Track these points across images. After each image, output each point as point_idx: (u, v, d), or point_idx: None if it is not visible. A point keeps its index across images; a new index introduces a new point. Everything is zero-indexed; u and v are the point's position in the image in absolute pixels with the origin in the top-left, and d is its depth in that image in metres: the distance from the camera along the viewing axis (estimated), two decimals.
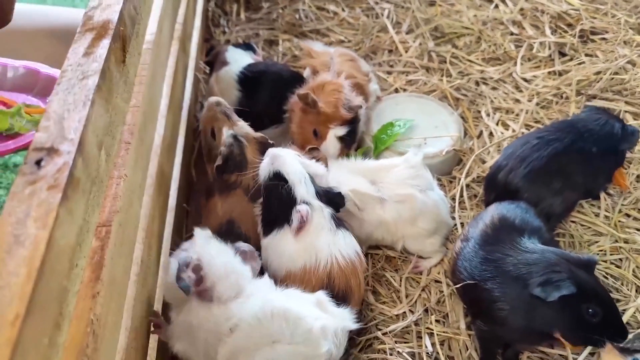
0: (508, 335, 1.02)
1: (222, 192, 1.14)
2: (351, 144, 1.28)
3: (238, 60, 1.39)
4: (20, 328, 0.41)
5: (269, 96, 1.34)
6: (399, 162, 1.17)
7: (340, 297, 1.01)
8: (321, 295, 0.95)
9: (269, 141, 1.18)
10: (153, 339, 0.97)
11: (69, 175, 0.53)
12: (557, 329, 0.95)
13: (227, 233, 1.07)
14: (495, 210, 1.10)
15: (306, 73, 1.42)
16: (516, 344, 1.06)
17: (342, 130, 1.24)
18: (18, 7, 1.39)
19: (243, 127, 1.18)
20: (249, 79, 1.35)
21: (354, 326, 0.94)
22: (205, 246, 0.95)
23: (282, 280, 1.02)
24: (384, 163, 1.19)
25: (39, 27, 1.35)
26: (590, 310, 0.91)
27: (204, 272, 0.91)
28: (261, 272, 1.02)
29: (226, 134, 1.15)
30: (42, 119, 0.59)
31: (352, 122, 1.25)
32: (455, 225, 1.25)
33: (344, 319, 0.94)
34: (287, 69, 1.44)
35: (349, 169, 1.18)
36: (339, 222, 1.08)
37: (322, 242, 1.03)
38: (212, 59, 1.40)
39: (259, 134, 1.19)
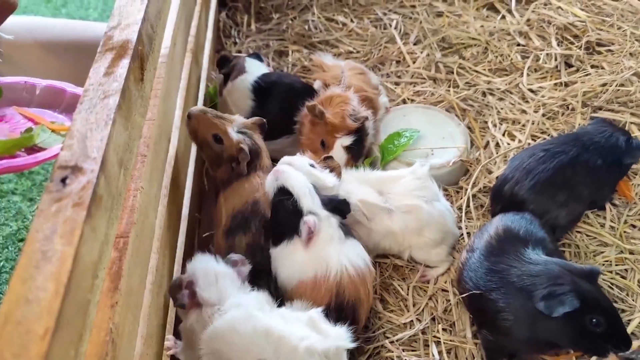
0: (513, 345, 1.04)
1: (239, 178, 1.17)
2: (358, 154, 1.31)
3: (255, 70, 1.42)
4: (50, 342, 0.44)
5: (280, 106, 1.37)
6: (406, 173, 1.20)
7: (349, 307, 1.03)
8: (314, 313, 0.94)
9: (264, 120, 1.23)
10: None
11: (92, 193, 0.55)
12: (560, 340, 0.97)
13: (253, 213, 1.12)
14: (500, 222, 1.12)
15: (317, 85, 1.45)
16: (521, 353, 1.08)
17: (348, 140, 1.27)
18: (43, 20, 1.43)
19: (238, 119, 1.21)
20: (262, 88, 1.38)
21: (350, 345, 0.92)
22: (196, 261, 0.99)
23: (294, 289, 1.05)
24: (392, 174, 1.22)
25: (63, 41, 1.40)
26: (594, 320, 0.93)
27: (196, 285, 0.95)
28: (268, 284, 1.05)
29: (233, 132, 1.17)
30: (66, 137, 0.62)
31: (359, 132, 1.28)
32: (462, 235, 1.27)
33: (339, 338, 0.91)
34: (299, 80, 1.46)
35: (357, 179, 1.20)
36: (347, 231, 1.10)
37: (332, 252, 1.05)
38: (230, 70, 1.42)
39: (254, 118, 1.23)
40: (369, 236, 1.19)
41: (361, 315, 1.05)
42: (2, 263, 1.62)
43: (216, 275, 0.97)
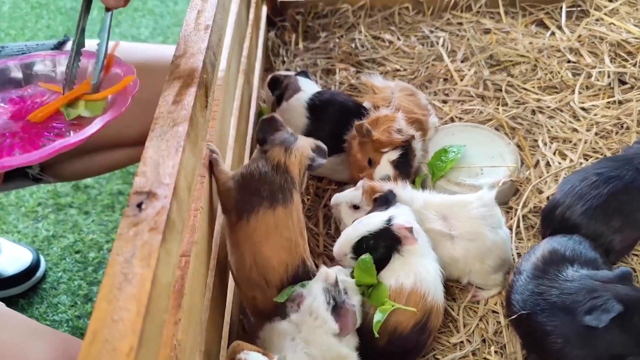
0: None
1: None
2: (406, 170, 1.32)
3: (309, 88, 1.45)
4: (135, 359, 0.47)
5: (333, 124, 1.39)
6: (473, 199, 1.19)
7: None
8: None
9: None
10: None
11: (166, 218, 0.59)
12: (621, 349, 0.97)
13: None
14: (547, 244, 1.13)
15: (367, 104, 1.47)
16: None
17: (394, 154, 1.28)
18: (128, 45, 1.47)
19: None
20: (317, 106, 1.40)
21: None
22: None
23: None
24: (458, 199, 1.21)
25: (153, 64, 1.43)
26: None
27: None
28: None
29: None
30: (140, 163, 0.66)
31: (405, 147, 1.29)
32: (513, 257, 1.26)
33: None
34: (350, 99, 1.49)
35: (424, 203, 1.20)
36: None
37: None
38: (283, 90, 1.46)
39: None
40: None
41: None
42: (60, 274, 1.69)
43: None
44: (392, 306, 1.04)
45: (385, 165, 1.28)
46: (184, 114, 0.72)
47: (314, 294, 0.99)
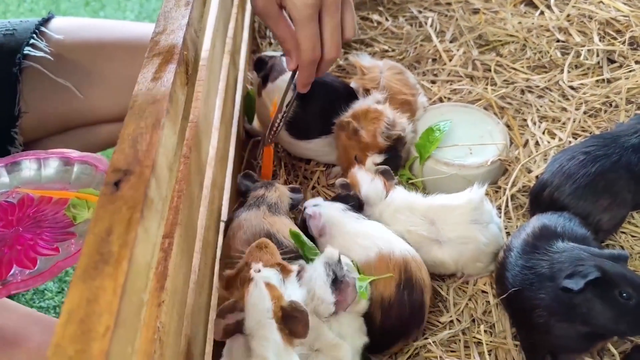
0: (552, 342, 1.03)
1: None
2: (395, 165, 1.31)
3: None
4: (111, 339, 0.45)
5: (320, 106, 1.37)
6: (462, 202, 1.15)
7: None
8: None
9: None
10: (209, 345, 1.02)
11: (144, 196, 0.57)
12: (598, 324, 0.96)
13: None
14: (537, 220, 1.12)
15: (354, 85, 1.45)
16: (561, 351, 1.06)
17: (379, 158, 1.28)
18: (92, 21, 1.47)
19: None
20: None
21: None
22: None
23: None
24: (445, 203, 1.17)
25: (112, 41, 1.43)
26: (623, 294, 0.91)
27: None
28: None
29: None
30: (119, 141, 0.64)
31: (391, 151, 1.29)
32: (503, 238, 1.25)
33: None
34: (338, 80, 1.47)
35: (408, 206, 1.18)
36: None
37: None
38: (268, 71, 1.43)
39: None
40: None
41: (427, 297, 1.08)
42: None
43: None
44: (369, 278, 1.04)
45: (369, 167, 1.27)
46: (164, 91, 0.70)
47: (315, 266, 1.00)
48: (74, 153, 0.93)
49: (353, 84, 1.45)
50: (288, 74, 1.41)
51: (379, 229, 1.13)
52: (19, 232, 0.89)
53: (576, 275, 0.93)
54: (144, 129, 0.65)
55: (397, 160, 1.32)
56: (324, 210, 1.15)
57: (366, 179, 1.21)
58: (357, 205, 1.19)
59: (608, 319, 0.93)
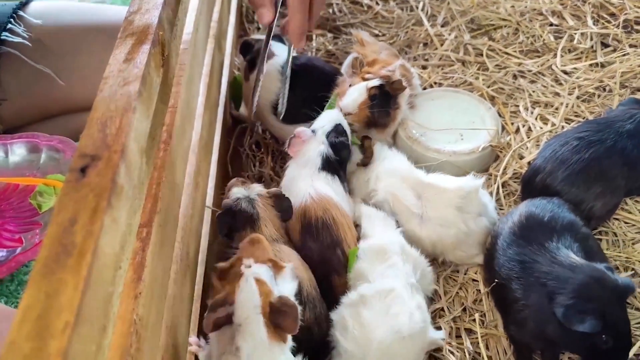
0: (526, 337, 1.01)
1: None
2: (380, 112, 1.25)
3: (283, 53, 1.39)
4: (70, 336, 0.42)
5: (308, 90, 1.34)
6: (452, 188, 1.12)
7: (322, 226, 1.07)
8: None
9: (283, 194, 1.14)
10: (193, 335, 0.99)
11: (112, 183, 0.54)
12: (563, 345, 0.95)
13: None
14: (525, 207, 1.08)
15: (347, 61, 1.41)
16: (533, 347, 1.04)
17: (374, 82, 1.23)
18: (71, 4, 1.42)
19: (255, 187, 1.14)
20: (292, 71, 1.34)
21: None
22: None
23: None
24: (436, 184, 1.14)
25: (92, 24, 1.38)
26: (604, 338, 0.89)
27: None
28: None
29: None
30: (86, 125, 0.60)
31: (387, 88, 1.23)
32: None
33: None
34: (328, 65, 1.44)
35: (401, 172, 1.18)
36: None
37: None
38: (255, 55, 1.39)
39: (273, 190, 1.14)
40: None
41: (342, 235, 1.06)
42: None
43: None
44: None
45: (360, 87, 1.23)
46: (136, 72, 0.66)
47: None
48: (41, 137, 0.88)
49: (353, 54, 1.41)
50: (276, 59, 1.38)
51: (304, 181, 1.14)
52: None
53: (575, 311, 0.88)
54: (114, 112, 0.61)
55: (384, 113, 1.26)
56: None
57: (351, 92, 1.23)
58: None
59: (579, 348, 0.93)
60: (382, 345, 0.93)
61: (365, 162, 1.22)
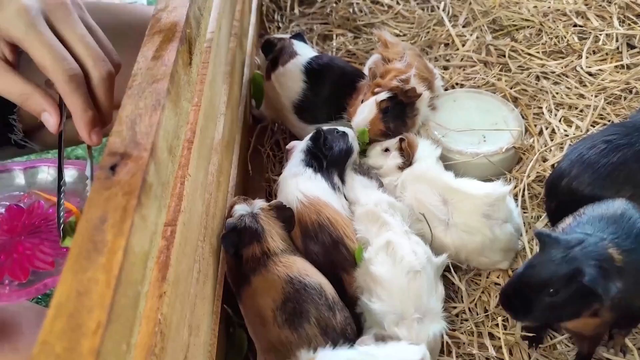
0: None
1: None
2: (395, 121, 1.25)
3: (306, 52, 1.38)
4: (102, 335, 0.42)
5: (329, 90, 1.33)
6: (481, 195, 1.12)
7: (320, 227, 1.07)
8: None
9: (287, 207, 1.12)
10: (213, 336, 0.99)
11: (142, 181, 0.53)
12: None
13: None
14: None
15: (370, 62, 1.40)
16: None
17: (384, 96, 1.22)
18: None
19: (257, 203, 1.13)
20: (315, 70, 1.34)
21: None
22: None
23: None
24: (464, 189, 1.13)
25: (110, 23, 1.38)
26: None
27: None
28: None
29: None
30: (116, 123, 0.60)
31: (401, 101, 1.23)
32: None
33: None
34: (349, 65, 1.43)
35: (426, 175, 1.17)
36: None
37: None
38: (277, 54, 1.39)
39: (275, 202, 1.14)
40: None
41: (341, 232, 1.06)
42: None
43: None
44: None
45: (369, 103, 1.22)
46: (164, 70, 0.66)
47: None
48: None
49: (376, 56, 1.40)
50: (299, 58, 1.37)
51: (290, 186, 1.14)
52: (20, 240, 0.87)
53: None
54: (143, 109, 0.61)
55: (399, 118, 1.25)
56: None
57: (361, 109, 1.24)
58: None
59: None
60: (404, 288, 0.99)
61: (405, 165, 1.21)
